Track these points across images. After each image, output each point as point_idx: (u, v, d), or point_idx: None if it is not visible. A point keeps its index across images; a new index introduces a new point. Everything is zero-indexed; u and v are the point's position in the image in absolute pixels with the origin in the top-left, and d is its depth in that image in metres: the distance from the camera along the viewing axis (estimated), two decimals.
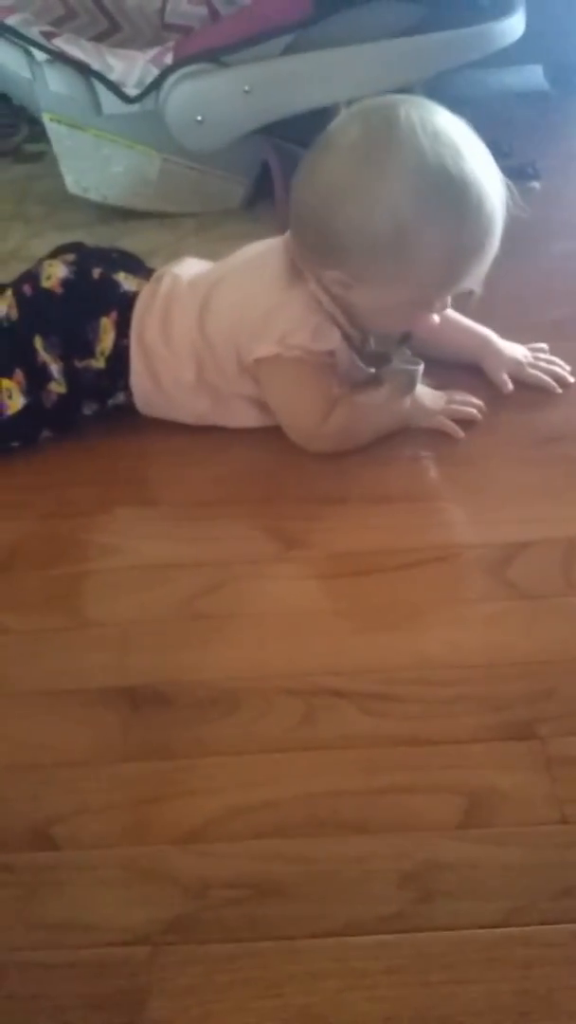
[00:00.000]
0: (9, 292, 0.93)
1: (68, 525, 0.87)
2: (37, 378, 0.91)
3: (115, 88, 1.24)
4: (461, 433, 0.91)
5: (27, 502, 0.90)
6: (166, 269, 0.96)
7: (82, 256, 0.96)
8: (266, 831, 0.61)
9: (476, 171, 0.78)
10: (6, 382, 0.91)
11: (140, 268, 0.98)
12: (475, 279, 0.83)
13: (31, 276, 0.94)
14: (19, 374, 0.91)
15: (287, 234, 0.89)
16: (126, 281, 0.93)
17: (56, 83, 1.26)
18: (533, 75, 1.72)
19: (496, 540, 0.81)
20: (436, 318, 0.87)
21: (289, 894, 0.58)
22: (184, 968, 0.55)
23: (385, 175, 0.78)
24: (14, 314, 0.92)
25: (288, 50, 1.18)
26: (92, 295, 0.92)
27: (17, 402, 0.91)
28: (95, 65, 1.24)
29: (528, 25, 1.30)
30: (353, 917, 0.56)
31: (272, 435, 0.92)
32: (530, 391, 0.96)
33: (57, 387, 0.91)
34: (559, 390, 0.96)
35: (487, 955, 0.54)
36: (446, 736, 0.65)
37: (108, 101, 1.25)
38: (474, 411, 0.92)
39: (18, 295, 0.93)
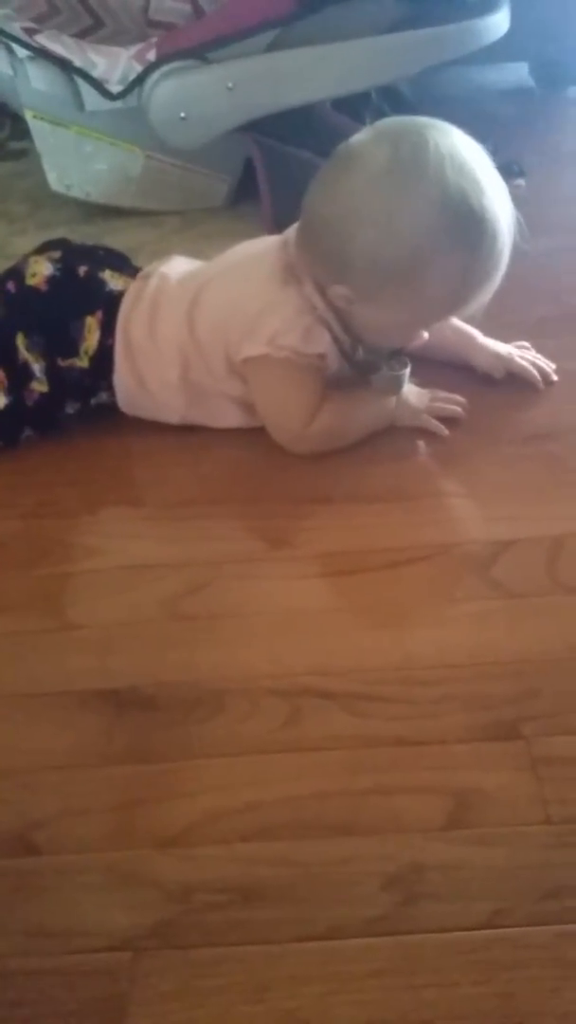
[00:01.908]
0: None
1: (51, 525, 0.87)
2: (19, 377, 0.90)
3: (98, 85, 1.23)
4: (445, 431, 0.90)
5: (9, 502, 0.89)
6: (154, 267, 0.95)
7: (68, 253, 0.95)
8: (250, 834, 0.61)
9: (494, 207, 0.80)
10: None
11: (126, 265, 0.98)
12: (477, 306, 0.84)
13: (15, 273, 0.93)
14: (1, 373, 0.90)
15: (285, 236, 0.88)
16: (112, 280, 0.93)
17: (38, 80, 1.25)
18: (518, 72, 1.72)
19: (481, 539, 0.80)
20: (426, 334, 0.89)
21: (273, 897, 0.57)
22: (166, 974, 0.54)
23: (409, 205, 0.79)
24: None
25: (272, 47, 1.18)
26: (77, 294, 0.92)
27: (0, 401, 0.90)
28: (77, 62, 1.23)
29: (513, 22, 1.30)
30: (337, 920, 0.56)
31: (257, 435, 0.91)
32: (514, 390, 0.96)
33: (39, 386, 0.91)
34: (542, 385, 0.96)
35: (472, 957, 0.54)
36: (431, 737, 0.65)
37: (91, 98, 1.24)
38: (458, 409, 0.92)
39: (2, 293, 0.92)
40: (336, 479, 0.88)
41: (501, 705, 0.67)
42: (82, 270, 0.93)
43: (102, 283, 0.92)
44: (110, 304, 0.91)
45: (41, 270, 0.92)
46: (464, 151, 0.80)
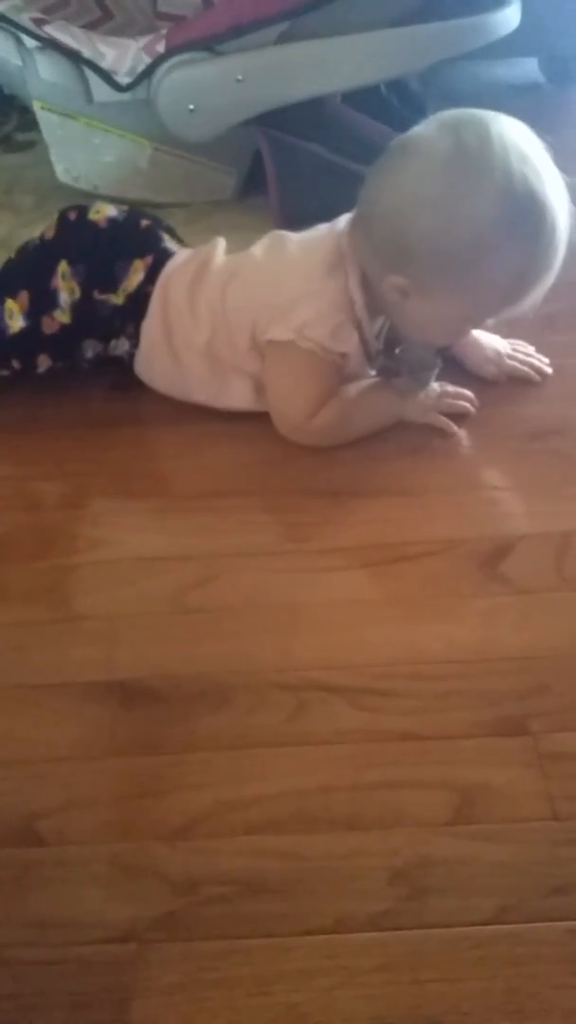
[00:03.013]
0: (54, 218, 0.95)
1: (56, 517, 0.86)
2: (42, 302, 0.91)
3: (106, 76, 1.22)
4: (455, 429, 0.90)
5: (15, 493, 0.89)
6: (210, 240, 0.96)
7: (135, 209, 0.99)
8: (256, 827, 0.60)
9: (555, 198, 0.79)
10: (10, 302, 0.92)
11: (181, 243, 0.99)
12: (531, 302, 0.84)
13: (80, 207, 0.95)
14: (23, 296, 0.91)
15: (341, 228, 0.88)
16: (169, 241, 0.95)
17: (47, 71, 1.25)
18: (528, 68, 1.72)
19: (489, 534, 0.80)
20: (474, 333, 0.91)
21: (278, 891, 0.57)
22: (171, 966, 0.54)
23: (474, 192, 0.78)
24: (50, 234, 0.94)
25: (282, 39, 1.17)
26: (134, 238, 0.94)
27: (16, 323, 0.92)
28: (86, 53, 1.22)
29: (524, 17, 1.29)
30: (343, 914, 0.56)
31: (265, 428, 0.91)
32: (521, 386, 0.96)
33: (61, 316, 0.91)
34: (538, 379, 0.96)
35: (478, 953, 0.53)
36: (438, 732, 0.65)
37: (99, 89, 1.24)
38: (467, 405, 0.92)
39: (62, 218, 0.95)
40: (344, 473, 0.87)
41: (508, 701, 0.66)
42: (144, 223, 0.95)
43: (160, 238, 0.95)
44: (161, 256, 0.93)
45: (105, 210, 0.95)
46: (526, 142, 0.80)
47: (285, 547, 0.81)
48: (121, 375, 0.97)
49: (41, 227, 0.97)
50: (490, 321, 0.90)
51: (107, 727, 0.67)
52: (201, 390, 0.93)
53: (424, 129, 0.83)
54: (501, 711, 0.66)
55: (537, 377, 0.96)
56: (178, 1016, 0.52)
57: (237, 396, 0.92)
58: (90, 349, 0.94)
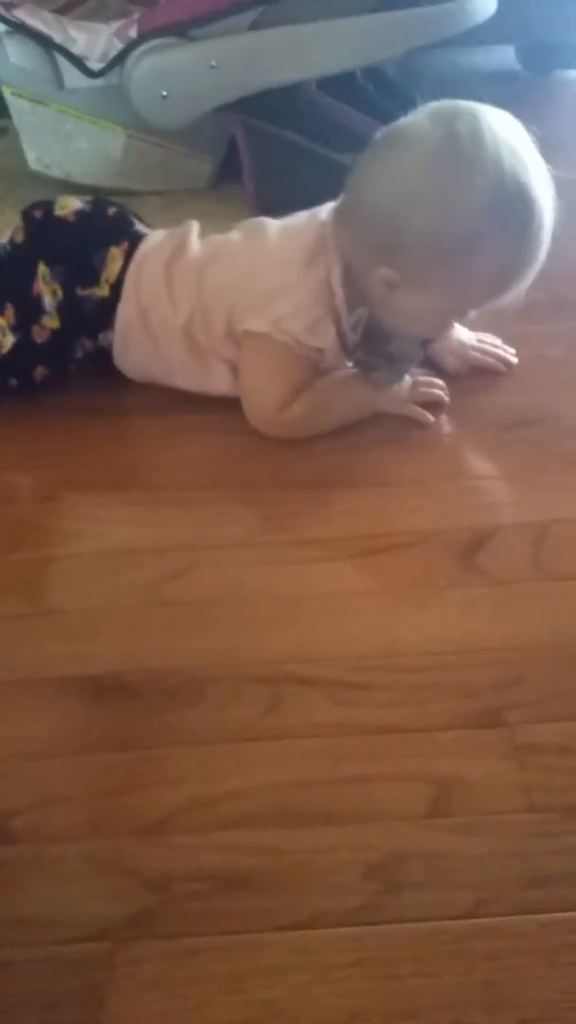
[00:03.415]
0: (19, 218, 0.93)
1: (30, 509, 0.85)
2: (29, 312, 0.89)
3: (78, 62, 1.21)
4: (430, 418, 0.90)
5: None
6: (183, 222, 0.95)
7: (99, 198, 0.97)
8: (231, 822, 0.60)
9: (542, 192, 0.80)
10: None
11: (149, 228, 0.97)
12: (515, 295, 0.84)
13: (45, 203, 0.93)
14: (8, 309, 0.89)
15: (323, 218, 0.87)
16: (139, 224, 0.94)
17: (17, 56, 1.23)
18: (505, 55, 1.71)
19: (465, 525, 0.80)
20: (456, 326, 0.91)
21: (254, 886, 0.57)
22: (145, 964, 0.53)
23: (467, 186, 0.79)
24: (20, 237, 0.92)
25: (255, 25, 1.16)
26: (104, 226, 0.92)
27: (7, 341, 0.90)
28: (57, 38, 1.21)
29: (500, 5, 1.29)
30: (319, 909, 0.55)
31: (241, 419, 0.90)
32: (498, 375, 0.96)
33: (50, 321, 0.90)
34: (503, 368, 0.96)
35: (455, 947, 0.53)
36: (415, 724, 0.64)
37: (71, 75, 1.22)
38: (440, 393, 0.91)
39: (28, 219, 0.93)
40: (320, 464, 0.87)
41: (485, 692, 0.66)
42: (112, 211, 0.94)
43: (130, 223, 0.93)
44: (135, 239, 0.91)
45: (71, 204, 0.93)
46: (515, 135, 0.80)
47: (261, 539, 0.80)
48: (101, 365, 0.95)
49: (12, 215, 0.96)
50: (472, 313, 0.90)
51: (81, 722, 0.66)
52: (181, 374, 0.92)
53: (414, 120, 0.82)
54: (478, 703, 0.65)
55: (503, 367, 0.96)
56: (153, 1014, 0.51)
57: (218, 380, 0.91)
58: (80, 348, 0.93)
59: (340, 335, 0.87)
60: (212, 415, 0.92)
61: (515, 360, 0.97)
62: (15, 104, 1.27)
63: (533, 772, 0.61)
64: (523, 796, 0.60)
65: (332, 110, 1.29)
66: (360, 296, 0.86)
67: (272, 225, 0.91)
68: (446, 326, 0.92)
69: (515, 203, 0.79)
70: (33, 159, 1.30)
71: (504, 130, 0.80)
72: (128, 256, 0.90)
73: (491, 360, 0.96)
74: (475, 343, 0.97)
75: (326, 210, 0.89)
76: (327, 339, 0.86)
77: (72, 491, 0.87)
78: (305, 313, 0.84)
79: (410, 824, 0.59)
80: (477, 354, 0.96)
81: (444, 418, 0.91)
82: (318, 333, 0.85)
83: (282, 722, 0.65)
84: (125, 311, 0.90)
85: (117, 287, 0.90)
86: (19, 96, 1.26)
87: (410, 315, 0.86)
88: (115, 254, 0.90)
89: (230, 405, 0.91)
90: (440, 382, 0.92)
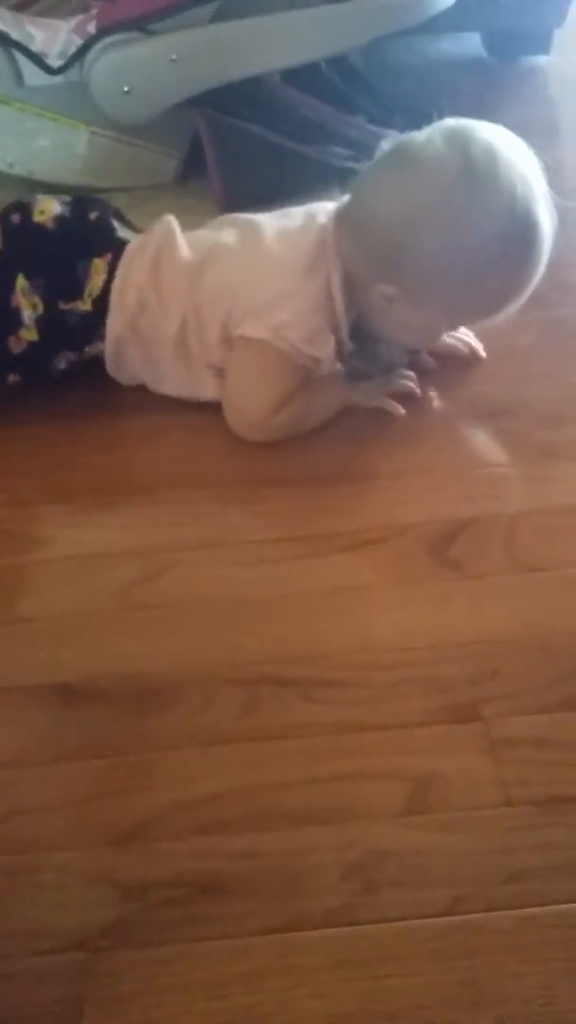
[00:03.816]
0: None
1: (0, 515, 0.84)
2: (4, 323, 0.87)
3: (36, 59, 1.19)
4: (402, 411, 0.89)
5: None
6: (156, 225, 0.92)
7: (79, 199, 0.93)
8: (208, 827, 0.59)
9: (546, 218, 0.81)
10: None
11: (130, 225, 0.94)
12: (506, 315, 0.85)
13: (22, 207, 0.90)
14: None
15: (324, 221, 0.86)
16: (121, 230, 0.91)
17: None
18: (471, 43, 1.70)
19: (438, 518, 0.79)
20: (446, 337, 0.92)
21: (232, 891, 0.56)
22: (124, 973, 0.53)
23: (481, 212, 0.80)
24: None
25: (216, 18, 1.15)
26: (87, 235, 0.89)
27: None
28: (15, 35, 1.19)
29: None
30: (298, 912, 0.55)
31: (212, 419, 0.89)
32: (470, 367, 0.95)
33: (27, 334, 0.87)
34: (470, 355, 0.95)
35: (433, 945, 0.53)
36: (390, 721, 0.64)
37: (30, 72, 1.20)
38: (411, 385, 0.91)
39: (4, 225, 0.89)
40: (291, 461, 0.86)
41: (460, 687, 0.66)
42: (93, 215, 0.90)
43: (112, 228, 0.90)
44: (118, 249, 0.88)
45: (50, 208, 0.89)
46: (525, 161, 0.81)
47: (234, 538, 0.80)
48: (91, 375, 0.92)
49: None
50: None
51: (54, 730, 0.66)
52: (171, 382, 0.91)
53: (428, 140, 0.82)
54: (453, 697, 0.65)
55: (469, 354, 0.95)
56: None
57: (209, 387, 0.89)
58: (63, 360, 0.90)
59: (338, 342, 0.86)
60: (179, 415, 0.91)
61: (483, 354, 0.96)
62: None
63: (509, 766, 0.61)
64: (500, 790, 0.60)
65: (297, 102, 1.28)
66: (356, 303, 0.85)
67: (267, 227, 0.89)
68: (437, 338, 0.91)
69: (523, 231, 0.80)
70: None
71: (516, 156, 0.81)
72: (112, 268, 0.87)
73: (461, 346, 0.95)
74: None
75: (323, 211, 0.87)
76: (326, 349, 0.85)
77: (41, 496, 0.86)
78: (305, 322, 0.83)
79: (388, 822, 0.59)
80: (449, 339, 0.95)
81: (416, 410, 0.90)
82: (318, 343, 0.84)
83: (258, 724, 0.65)
84: (115, 324, 0.88)
85: (100, 301, 0.87)
86: None
87: (403, 327, 0.87)
88: (99, 266, 0.87)
89: (203, 405, 0.90)
90: (412, 374, 0.92)
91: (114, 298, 0.87)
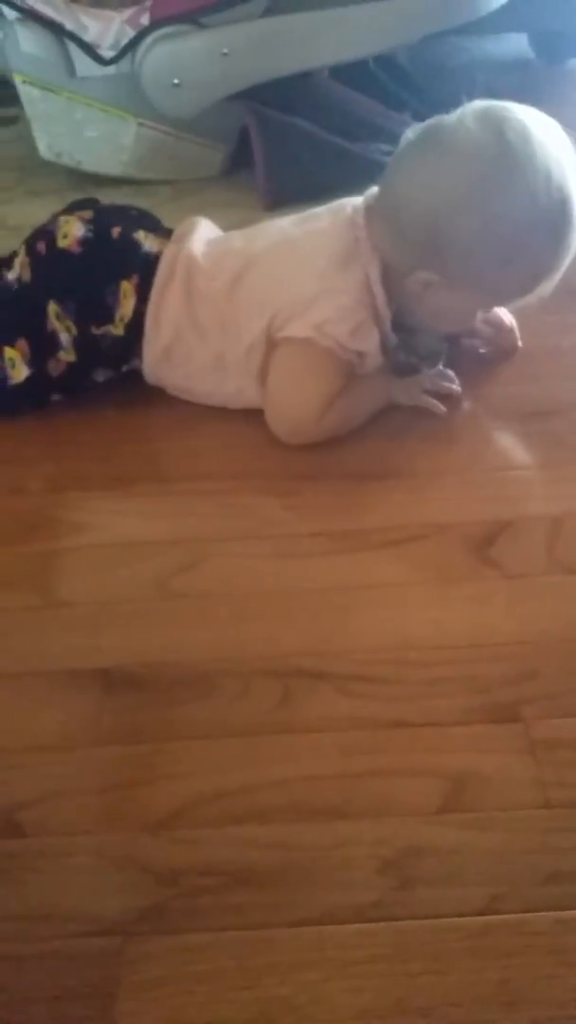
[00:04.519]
0: (22, 251, 0.90)
1: (38, 501, 0.85)
2: (44, 347, 0.88)
3: (89, 49, 1.20)
4: (443, 409, 0.89)
5: None
6: (185, 228, 0.92)
7: (99, 213, 0.92)
8: (242, 817, 0.59)
9: None
10: (9, 351, 0.87)
11: (158, 226, 0.94)
12: (539, 295, 0.85)
13: (46, 234, 0.89)
14: (22, 343, 0.87)
15: (352, 214, 0.86)
16: (146, 241, 0.89)
17: (28, 43, 1.22)
18: (518, 43, 1.69)
19: (479, 518, 0.79)
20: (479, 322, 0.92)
21: (265, 882, 0.56)
22: (156, 959, 0.53)
23: (519, 194, 0.79)
24: (27, 275, 0.89)
25: (268, 12, 1.15)
26: (112, 257, 0.88)
27: (21, 372, 0.88)
28: (68, 25, 1.20)
29: None
30: (331, 905, 0.55)
31: (251, 409, 0.89)
32: (513, 367, 0.95)
33: (66, 356, 0.88)
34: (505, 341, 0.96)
35: (469, 944, 0.52)
36: (427, 719, 0.64)
37: (82, 63, 1.21)
38: (454, 386, 0.90)
39: (32, 255, 0.89)
40: (331, 456, 0.86)
41: (499, 687, 0.65)
42: (115, 231, 0.89)
43: (137, 245, 0.89)
44: (146, 268, 0.87)
45: (73, 231, 0.88)
46: (559, 141, 0.81)
47: (271, 531, 0.80)
48: (129, 384, 0.93)
49: (22, 204, 0.94)
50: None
51: (91, 716, 0.66)
52: (215, 395, 0.91)
53: (460, 123, 0.81)
54: (492, 697, 0.65)
55: (510, 345, 0.96)
56: (164, 1010, 0.51)
57: (248, 396, 0.89)
58: (101, 375, 0.91)
59: (382, 335, 0.86)
60: (224, 407, 0.91)
61: (519, 343, 0.96)
62: (26, 92, 1.26)
63: (549, 767, 0.60)
64: (538, 791, 0.59)
65: (345, 98, 1.28)
66: (394, 294, 0.85)
67: (293, 230, 0.88)
68: (472, 322, 0.91)
69: (558, 213, 0.80)
70: (44, 148, 1.29)
71: (550, 137, 0.80)
72: (140, 290, 0.87)
73: (488, 331, 0.95)
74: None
75: (350, 207, 0.87)
76: (371, 342, 0.85)
77: (80, 483, 0.86)
78: (349, 317, 0.83)
79: (424, 819, 0.58)
80: (487, 329, 0.95)
81: (459, 409, 0.90)
82: (362, 336, 0.84)
83: (293, 716, 0.65)
84: (151, 351, 0.88)
85: (133, 326, 0.87)
86: (30, 84, 1.25)
87: (439, 313, 0.87)
88: (127, 290, 0.87)
89: None
90: (452, 374, 0.91)
91: (149, 330, 0.87)
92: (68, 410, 0.92)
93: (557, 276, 0.84)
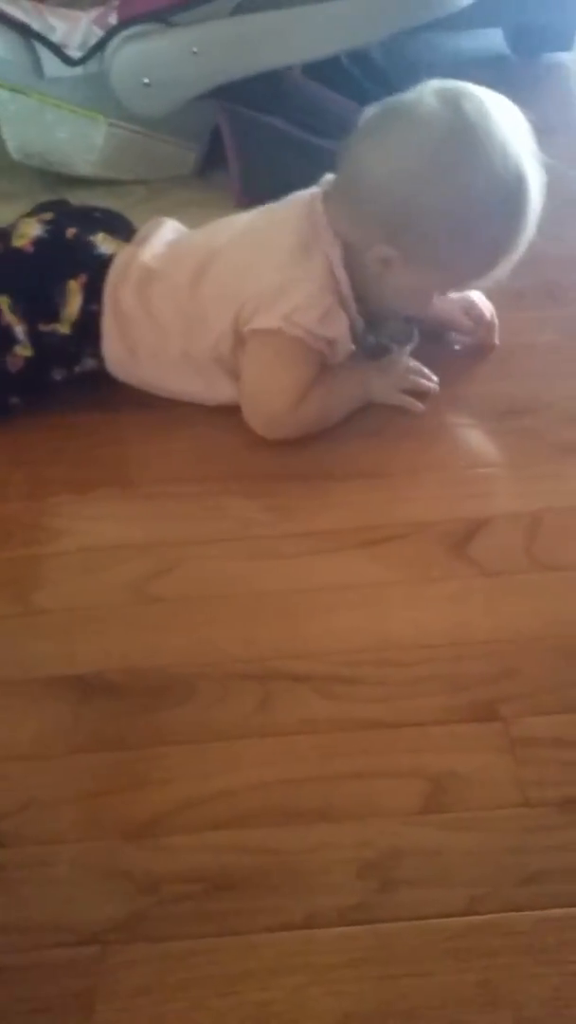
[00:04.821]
0: None
1: (13, 508, 0.84)
2: (1, 342, 0.87)
3: (57, 50, 1.19)
4: (421, 407, 0.88)
5: None
6: (148, 229, 0.92)
7: (61, 215, 0.93)
8: (222, 822, 0.59)
9: (536, 178, 0.82)
10: None
11: (124, 228, 0.94)
12: (499, 275, 0.85)
13: (3, 235, 0.90)
14: None
15: (310, 201, 0.86)
16: (104, 243, 0.90)
17: None
18: (493, 39, 1.69)
19: (457, 516, 0.79)
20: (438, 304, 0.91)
21: (246, 887, 0.56)
22: (135, 967, 0.53)
23: (477, 167, 0.80)
24: None
25: (237, 10, 1.14)
26: (61, 256, 0.89)
27: None
28: (35, 26, 1.18)
29: None
30: (313, 909, 0.55)
31: (227, 413, 0.88)
32: (490, 364, 0.95)
33: (23, 350, 0.87)
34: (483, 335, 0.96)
35: (450, 945, 0.52)
36: (407, 719, 0.64)
37: (50, 64, 1.20)
38: (431, 384, 0.90)
39: None
40: (308, 456, 0.85)
41: (479, 686, 0.65)
42: (71, 232, 0.90)
43: (91, 246, 0.89)
44: (96, 268, 0.87)
45: (29, 231, 0.89)
46: (513, 119, 0.82)
47: (248, 533, 0.79)
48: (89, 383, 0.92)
49: None
50: (453, 294, 0.92)
51: (68, 723, 0.65)
52: (186, 392, 0.90)
53: (418, 99, 0.81)
54: (471, 696, 0.65)
55: (487, 341, 0.96)
56: (144, 1019, 0.51)
57: (221, 390, 0.89)
58: (57, 374, 0.91)
59: (350, 320, 0.85)
60: (199, 410, 0.90)
61: (496, 341, 0.96)
62: None
63: (528, 766, 0.60)
64: (518, 790, 0.59)
65: (318, 95, 1.27)
66: (357, 278, 0.85)
67: (254, 222, 0.89)
68: (428, 304, 0.90)
69: (514, 190, 0.80)
70: (14, 149, 1.28)
71: (506, 116, 0.81)
72: (88, 289, 0.87)
73: (469, 323, 0.96)
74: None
75: (308, 195, 0.87)
76: (340, 328, 0.84)
77: (54, 488, 0.85)
78: (317, 303, 0.83)
79: (404, 820, 0.58)
80: (467, 321, 0.96)
81: (436, 407, 0.89)
82: (330, 322, 0.84)
83: (272, 719, 0.64)
84: (112, 351, 0.88)
85: (81, 324, 0.87)
86: None
87: (398, 293, 0.86)
88: (73, 288, 0.87)
89: None
90: (429, 372, 0.91)
91: (107, 330, 0.87)
92: (39, 416, 0.91)
93: (514, 257, 0.84)
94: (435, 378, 0.91)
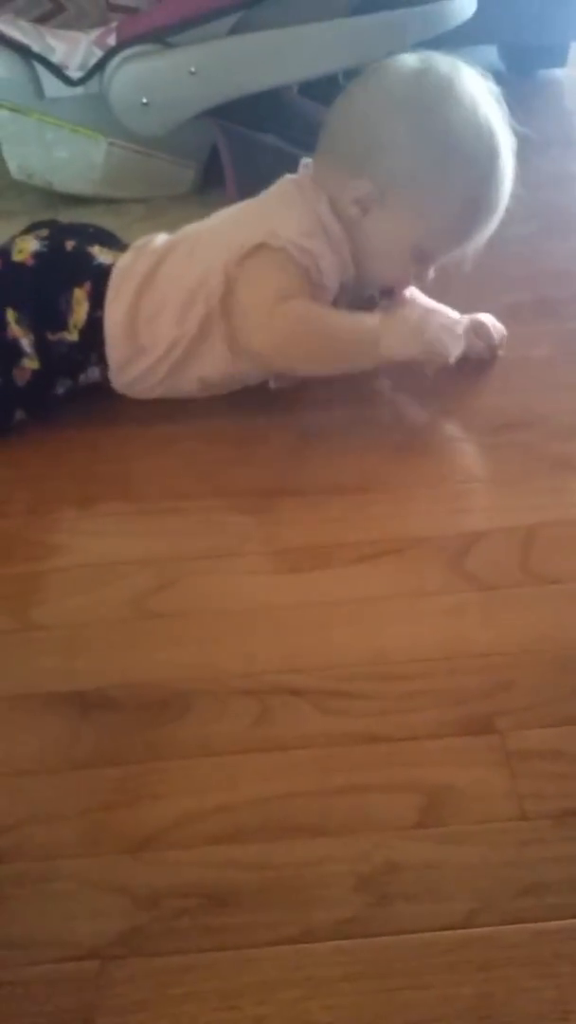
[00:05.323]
0: None
1: (11, 524, 0.84)
2: (9, 356, 0.88)
3: (57, 71, 1.20)
4: (450, 357, 0.87)
5: None
6: (143, 242, 0.94)
7: (55, 231, 0.95)
8: (220, 837, 0.59)
9: (506, 148, 0.85)
10: None
11: (115, 242, 0.96)
12: (473, 246, 0.87)
13: (2, 252, 0.92)
14: None
15: (295, 177, 0.90)
16: (101, 254, 0.92)
17: None
18: (487, 56, 1.71)
19: (453, 530, 0.79)
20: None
21: (244, 902, 0.56)
22: (135, 983, 0.53)
23: (447, 105, 0.83)
24: None
25: (235, 30, 1.16)
26: (65, 266, 0.90)
27: None
28: (36, 47, 1.20)
29: (481, 4, 1.29)
30: (310, 923, 0.55)
31: (225, 427, 0.89)
32: (485, 378, 0.95)
33: (30, 363, 0.89)
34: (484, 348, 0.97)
35: (447, 958, 0.52)
36: (404, 733, 0.64)
37: (50, 84, 1.22)
38: (447, 354, 0.87)
39: None
40: (306, 471, 0.86)
41: (475, 699, 0.66)
42: (70, 244, 0.92)
43: (90, 256, 0.91)
44: (98, 276, 0.89)
45: (28, 247, 0.91)
46: (485, 87, 0.86)
47: (247, 548, 0.80)
48: (90, 397, 0.93)
49: None
50: (432, 272, 0.91)
51: (68, 739, 0.66)
52: (186, 379, 0.92)
53: (393, 60, 0.87)
54: (467, 710, 0.65)
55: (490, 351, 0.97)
56: None
57: (219, 361, 0.90)
58: (61, 386, 0.92)
59: (341, 263, 0.87)
60: (195, 425, 0.91)
61: (500, 351, 0.97)
62: None
63: (524, 779, 0.60)
64: (515, 803, 0.59)
65: (313, 113, 1.28)
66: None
67: (240, 204, 0.93)
68: (407, 268, 0.90)
69: (487, 141, 0.83)
70: (15, 168, 1.30)
71: (478, 82, 0.86)
72: (93, 296, 0.88)
73: (480, 344, 0.97)
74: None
75: (290, 174, 0.91)
76: (320, 244, 0.85)
77: (54, 504, 0.86)
78: (300, 226, 0.85)
79: (401, 834, 0.58)
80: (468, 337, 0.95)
81: (431, 421, 0.90)
82: (312, 236, 0.85)
83: (270, 734, 0.65)
84: (115, 350, 0.90)
85: (88, 330, 0.88)
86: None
87: (378, 246, 0.87)
88: (79, 296, 0.88)
89: (215, 413, 0.91)
90: (453, 312, 0.91)
91: (110, 331, 0.89)
92: (38, 432, 0.92)
93: (490, 221, 0.86)
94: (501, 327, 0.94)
